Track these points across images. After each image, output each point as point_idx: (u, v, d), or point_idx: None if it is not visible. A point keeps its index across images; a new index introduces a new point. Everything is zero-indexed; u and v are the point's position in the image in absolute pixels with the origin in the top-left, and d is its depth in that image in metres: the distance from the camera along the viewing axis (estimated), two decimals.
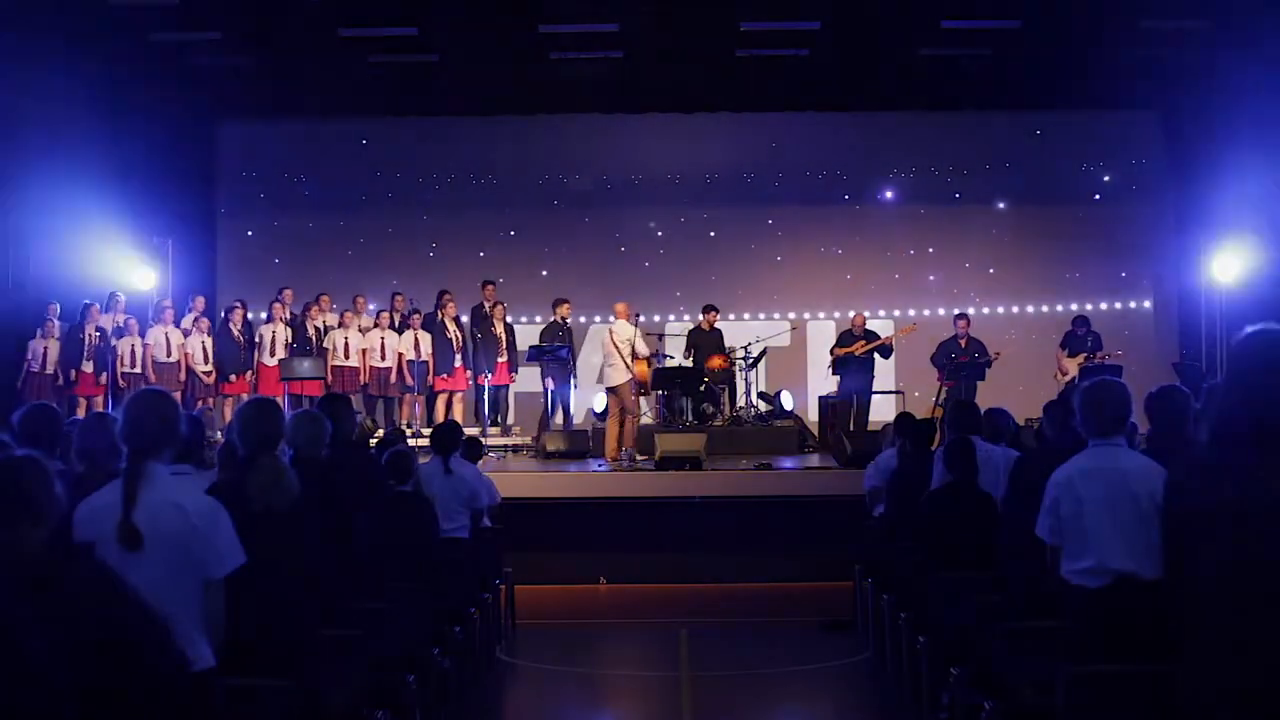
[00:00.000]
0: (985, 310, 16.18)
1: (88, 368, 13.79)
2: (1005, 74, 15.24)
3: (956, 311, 14.66)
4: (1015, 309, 16.72)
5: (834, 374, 14.42)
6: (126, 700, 3.00)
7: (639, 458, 12.66)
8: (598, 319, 16.75)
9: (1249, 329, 2.99)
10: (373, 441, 9.56)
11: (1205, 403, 5.10)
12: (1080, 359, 14.18)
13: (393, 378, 14.42)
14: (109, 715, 2.96)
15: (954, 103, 16.23)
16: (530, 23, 14.23)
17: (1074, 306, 16.15)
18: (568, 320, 14.51)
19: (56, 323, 13.83)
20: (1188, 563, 2.91)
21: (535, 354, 14.20)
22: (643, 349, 13.01)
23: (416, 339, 14.45)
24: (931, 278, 16.92)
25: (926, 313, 16.50)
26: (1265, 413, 2.85)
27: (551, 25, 14.39)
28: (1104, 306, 16.39)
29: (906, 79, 15.54)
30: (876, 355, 14.25)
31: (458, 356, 14.44)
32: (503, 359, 14.42)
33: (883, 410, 14.43)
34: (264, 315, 14.64)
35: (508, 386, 14.86)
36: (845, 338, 14.45)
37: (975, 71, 15.30)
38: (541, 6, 13.96)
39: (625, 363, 12.70)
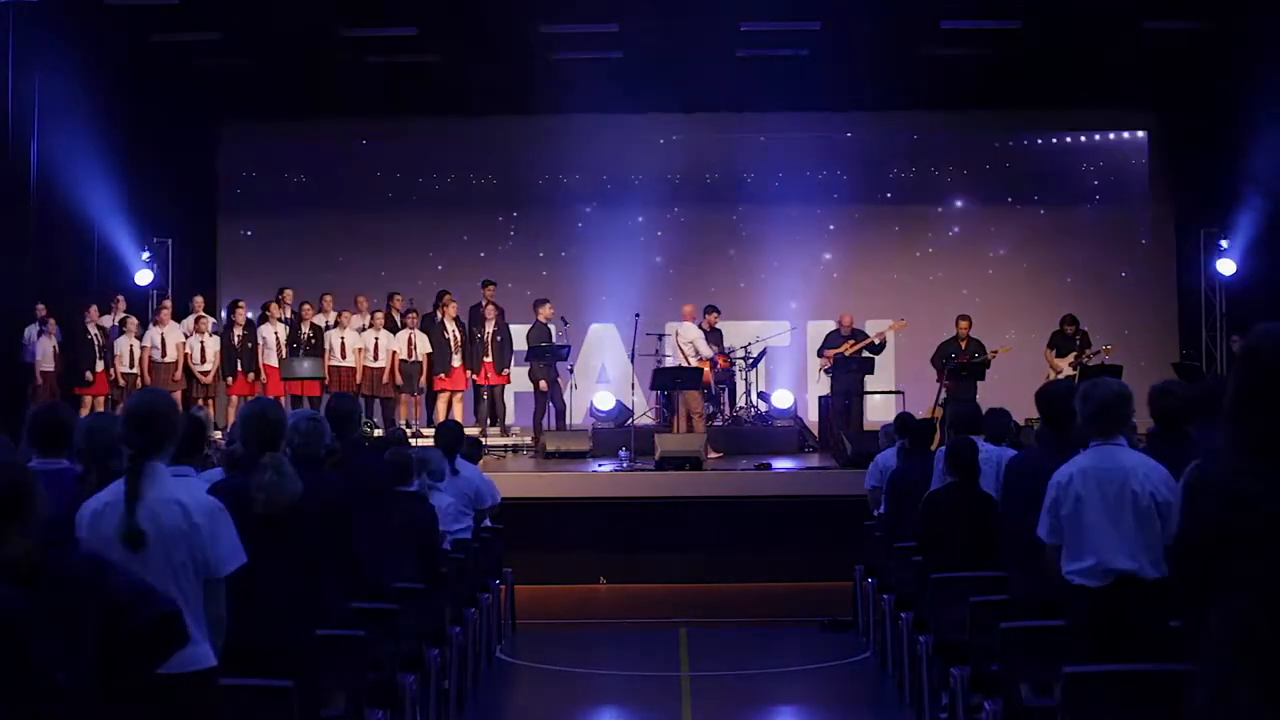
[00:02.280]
0: (984, 310, 16.13)
1: (98, 367, 13.86)
2: (1005, 74, 15.23)
3: (959, 313, 14.61)
4: (1015, 309, 16.70)
5: (827, 374, 14.39)
6: (138, 681, 3.02)
7: (637, 459, 12.72)
8: (597, 319, 16.76)
9: (1263, 326, 2.94)
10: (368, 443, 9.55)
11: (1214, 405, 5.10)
12: (1071, 358, 14.15)
13: (385, 378, 14.41)
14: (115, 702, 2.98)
15: (954, 103, 16.22)
16: (530, 23, 14.23)
17: (1074, 306, 16.11)
18: (551, 321, 14.49)
19: (54, 322, 13.85)
20: (1213, 567, 2.89)
21: (537, 354, 14.19)
22: (705, 350, 13.25)
23: (411, 339, 14.44)
24: (931, 278, 16.91)
25: (926, 313, 16.47)
26: None
27: (551, 25, 14.39)
28: (1104, 306, 16.38)
29: (906, 79, 15.53)
30: (868, 353, 14.23)
31: (456, 356, 14.43)
32: (488, 359, 14.38)
33: (882, 410, 14.42)
34: (262, 315, 14.63)
35: (503, 387, 14.83)
36: (833, 338, 14.42)
37: (975, 71, 15.29)
38: (541, 6, 13.97)
39: (688, 364, 12.94)
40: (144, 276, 15.40)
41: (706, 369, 13.42)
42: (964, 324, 14.30)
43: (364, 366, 14.34)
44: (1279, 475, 2.80)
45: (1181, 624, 3.15)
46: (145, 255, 15.44)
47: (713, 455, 12.80)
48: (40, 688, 2.72)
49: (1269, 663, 2.76)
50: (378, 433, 13.14)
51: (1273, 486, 2.80)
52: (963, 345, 14.14)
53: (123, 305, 14.45)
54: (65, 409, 5.07)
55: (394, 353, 14.39)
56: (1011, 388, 13.59)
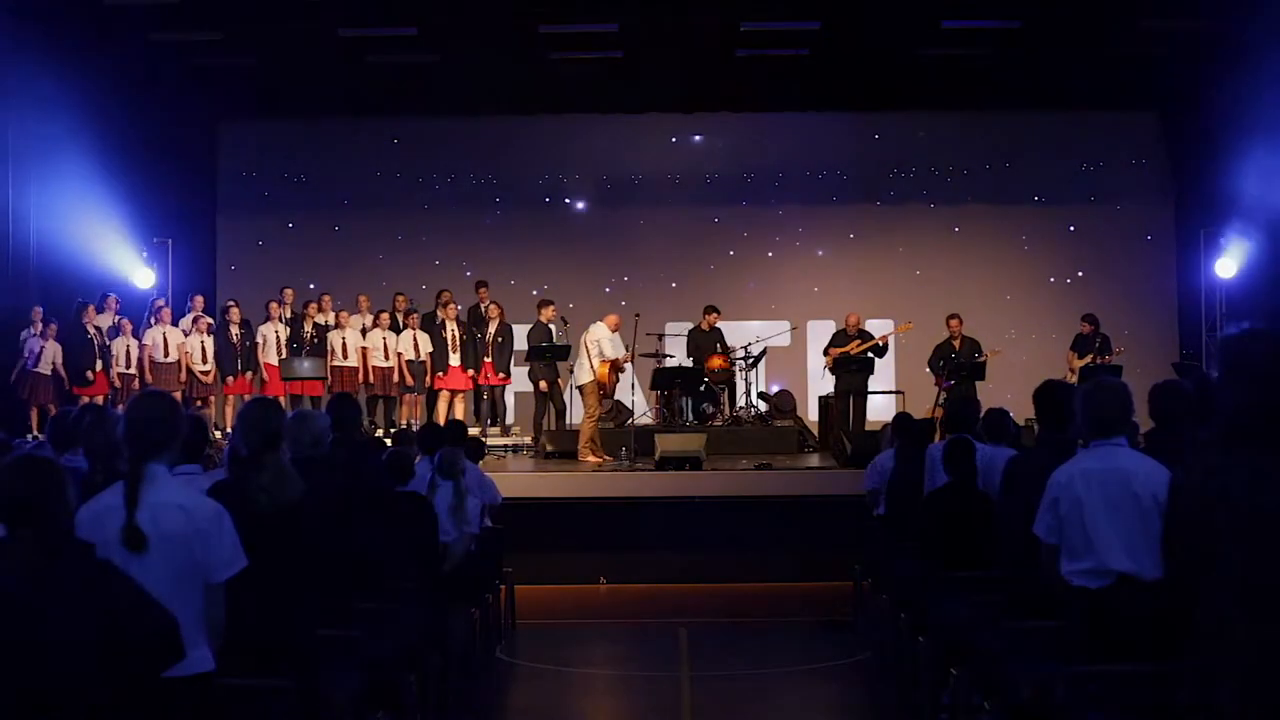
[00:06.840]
0: (984, 310, 16.13)
1: (97, 366, 13.84)
2: (1005, 74, 15.23)
3: (949, 312, 14.57)
4: (1015, 309, 16.70)
5: (830, 374, 14.39)
6: (132, 690, 3.03)
7: (637, 459, 12.73)
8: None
9: (1243, 326, 2.97)
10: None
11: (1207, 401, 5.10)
12: (1088, 359, 14.11)
13: (394, 377, 14.45)
14: (116, 706, 2.99)
15: (954, 103, 16.23)
16: (530, 23, 14.23)
17: (1074, 307, 16.12)
18: (552, 322, 14.47)
19: (47, 323, 13.80)
20: (1199, 565, 2.90)
21: (537, 354, 14.18)
22: (609, 352, 13.16)
23: (415, 339, 14.46)
24: (931, 277, 16.88)
25: (926, 313, 16.46)
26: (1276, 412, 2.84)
27: (551, 25, 14.39)
28: (1104, 306, 16.37)
29: (906, 79, 15.53)
30: (872, 354, 14.22)
31: (455, 356, 14.45)
32: (488, 359, 14.40)
33: (882, 410, 14.42)
34: (262, 315, 14.63)
35: (503, 387, 14.84)
36: (839, 337, 14.41)
37: (975, 71, 15.30)
38: (541, 6, 13.97)
39: (590, 363, 12.93)
40: (144, 277, 15.40)
41: (603, 370, 13.29)
42: (955, 323, 14.26)
43: (374, 367, 14.37)
44: (1254, 472, 2.82)
45: (1175, 623, 3.16)
46: (145, 255, 15.43)
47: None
48: (46, 689, 2.72)
49: (1249, 658, 2.77)
50: (378, 432, 13.16)
51: (1248, 483, 2.82)
52: (957, 345, 14.10)
53: (114, 304, 14.41)
54: (78, 410, 5.08)
55: (400, 354, 14.42)
56: (1012, 388, 13.61)
